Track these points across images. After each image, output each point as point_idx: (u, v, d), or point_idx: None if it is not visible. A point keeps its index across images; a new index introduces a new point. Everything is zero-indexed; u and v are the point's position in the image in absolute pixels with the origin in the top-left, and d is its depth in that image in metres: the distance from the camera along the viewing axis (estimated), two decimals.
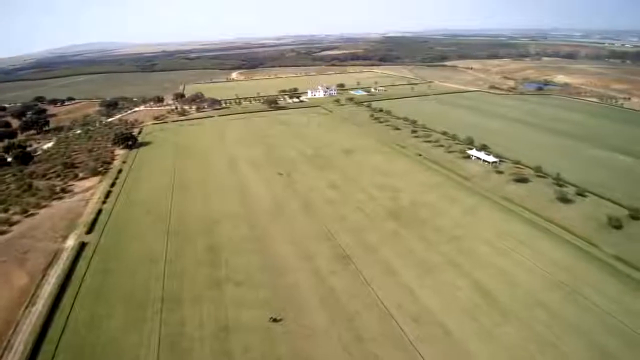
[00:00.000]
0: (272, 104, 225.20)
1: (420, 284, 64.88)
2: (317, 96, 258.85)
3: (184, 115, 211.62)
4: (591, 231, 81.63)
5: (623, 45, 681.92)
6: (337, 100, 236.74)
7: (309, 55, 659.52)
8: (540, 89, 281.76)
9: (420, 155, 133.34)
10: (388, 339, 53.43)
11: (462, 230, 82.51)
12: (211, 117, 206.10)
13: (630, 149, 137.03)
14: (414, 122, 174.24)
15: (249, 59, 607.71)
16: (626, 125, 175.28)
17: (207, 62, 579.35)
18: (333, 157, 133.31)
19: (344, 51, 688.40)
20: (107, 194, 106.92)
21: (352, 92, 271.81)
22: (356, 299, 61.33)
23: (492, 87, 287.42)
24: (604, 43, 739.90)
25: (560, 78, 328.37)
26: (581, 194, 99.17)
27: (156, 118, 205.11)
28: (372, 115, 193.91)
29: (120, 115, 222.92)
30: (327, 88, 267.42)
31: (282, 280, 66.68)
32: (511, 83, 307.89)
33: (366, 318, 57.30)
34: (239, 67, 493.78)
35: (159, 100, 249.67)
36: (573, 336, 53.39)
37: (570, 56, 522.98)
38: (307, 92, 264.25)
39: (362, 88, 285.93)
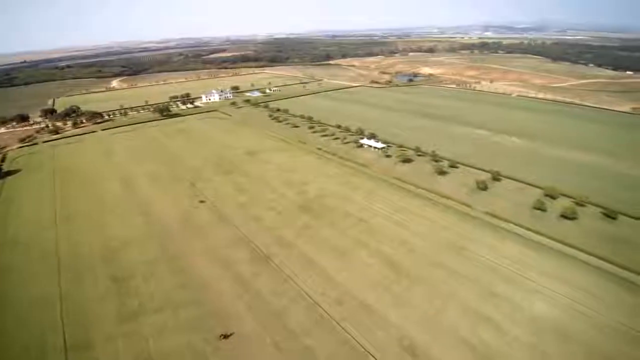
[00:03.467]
0: (165, 111, 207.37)
1: (337, 269, 67.87)
2: (212, 100, 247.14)
3: (57, 133, 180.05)
4: (465, 195, 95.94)
5: (470, 38, 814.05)
6: (234, 103, 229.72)
7: (199, 58, 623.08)
8: (411, 80, 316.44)
9: (320, 149, 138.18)
10: (318, 327, 54.84)
11: (365, 212, 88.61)
12: (93, 132, 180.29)
13: (484, 124, 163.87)
14: (310, 119, 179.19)
15: (131, 64, 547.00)
16: (478, 105, 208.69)
17: (80, 70, 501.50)
18: (238, 160, 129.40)
19: (234, 53, 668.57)
20: None
21: (247, 94, 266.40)
22: (282, 296, 61.30)
23: (372, 81, 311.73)
24: (455, 37, 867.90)
25: (425, 70, 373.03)
26: (453, 165, 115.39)
27: (22, 140, 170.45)
28: (270, 115, 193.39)
29: None
30: (222, 91, 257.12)
31: (205, 295, 62.76)
32: (387, 77, 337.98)
33: (294, 312, 57.78)
34: (119, 75, 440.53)
35: (23, 119, 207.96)
36: (467, 285, 62.35)
37: (431, 50, 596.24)
38: (201, 97, 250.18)
39: (257, 89, 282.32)
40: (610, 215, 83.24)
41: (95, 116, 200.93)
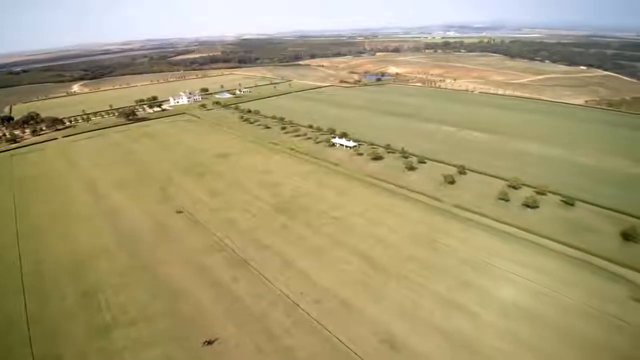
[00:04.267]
0: (130, 116, 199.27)
1: (315, 268, 67.83)
2: (180, 103, 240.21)
3: (15, 142, 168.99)
4: (434, 189, 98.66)
5: (433, 37, 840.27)
6: (203, 105, 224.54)
7: (165, 60, 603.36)
8: (378, 79, 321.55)
9: (292, 149, 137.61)
10: (298, 327, 54.55)
11: (340, 210, 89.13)
12: (54, 139, 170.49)
13: (449, 121, 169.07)
14: (282, 120, 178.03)
15: (93, 68, 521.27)
16: (444, 102, 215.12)
17: (38, 75, 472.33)
18: (209, 163, 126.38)
19: (202, 54, 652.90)
20: None
21: (217, 95, 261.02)
22: (261, 299, 60.46)
23: (341, 81, 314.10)
24: (419, 37, 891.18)
25: (392, 69, 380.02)
26: (422, 161, 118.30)
27: None
28: (241, 117, 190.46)
29: None
30: (190, 93, 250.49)
31: (181, 304, 60.71)
32: (356, 77, 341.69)
33: (274, 315, 57.16)
34: (81, 79, 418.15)
35: None
36: (439, 276, 64.12)
37: (397, 50, 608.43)
38: (169, 100, 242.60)
39: (227, 91, 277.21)
40: (568, 202, 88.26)
41: (56, 122, 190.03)
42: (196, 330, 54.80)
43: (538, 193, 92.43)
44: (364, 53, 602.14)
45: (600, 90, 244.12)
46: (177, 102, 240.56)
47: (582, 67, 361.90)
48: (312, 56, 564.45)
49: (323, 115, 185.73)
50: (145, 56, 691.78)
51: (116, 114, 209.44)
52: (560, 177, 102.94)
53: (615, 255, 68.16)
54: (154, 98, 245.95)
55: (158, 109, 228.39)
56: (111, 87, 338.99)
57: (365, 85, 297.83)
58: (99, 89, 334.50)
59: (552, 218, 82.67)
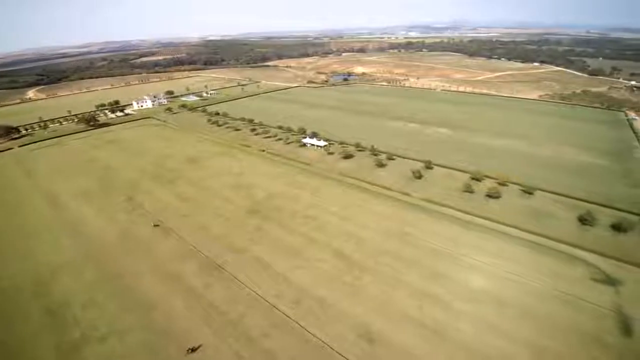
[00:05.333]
0: (91, 122, 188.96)
1: (291, 268, 67.42)
2: (145, 107, 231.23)
3: None
4: (403, 184, 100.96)
5: (397, 38, 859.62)
6: (169, 109, 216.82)
7: (126, 63, 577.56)
8: (345, 79, 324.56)
9: (263, 150, 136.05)
10: (276, 329, 53.97)
11: (313, 210, 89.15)
12: (9, 149, 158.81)
13: (415, 118, 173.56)
14: (251, 121, 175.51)
15: (49, 72, 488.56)
16: (409, 100, 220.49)
17: None
18: (178, 168, 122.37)
19: (165, 56, 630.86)
20: None
21: (183, 98, 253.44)
22: (238, 304, 59.27)
23: (310, 81, 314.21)
24: (383, 37, 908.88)
25: (359, 69, 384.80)
26: (391, 158, 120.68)
27: None
28: (209, 120, 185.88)
29: None
30: (155, 97, 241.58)
31: (155, 313, 58.41)
32: (324, 77, 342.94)
33: (252, 318, 56.21)
34: (36, 84, 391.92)
35: None
36: (412, 268, 65.60)
37: (362, 50, 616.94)
38: (132, 104, 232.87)
39: (193, 93, 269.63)
40: (528, 191, 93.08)
41: (10, 131, 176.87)
42: (172, 340, 52.90)
43: (500, 184, 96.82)
44: (331, 53, 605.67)
45: (553, 85, 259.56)
46: (141, 106, 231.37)
47: (535, 64, 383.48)
48: (280, 57, 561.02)
49: (293, 116, 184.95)
50: (105, 59, 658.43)
51: (76, 120, 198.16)
52: (520, 168, 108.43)
53: (574, 239, 72.69)
54: (116, 102, 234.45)
55: (121, 113, 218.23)
56: (69, 92, 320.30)
57: (333, 85, 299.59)
58: (56, 94, 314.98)
59: (513, 207, 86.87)
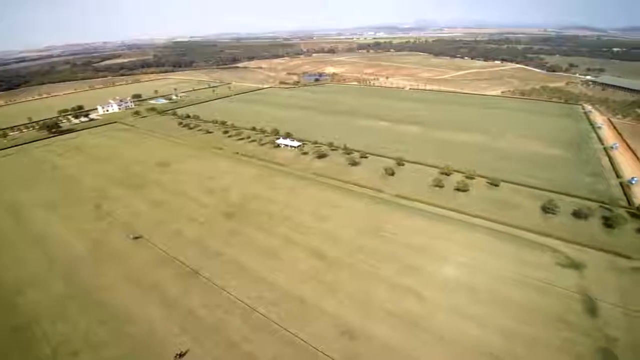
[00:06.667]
0: (54, 128, 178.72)
1: (269, 270, 66.76)
2: (110, 111, 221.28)
3: None
4: (376, 181, 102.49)
5: (365, 38, 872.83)
6: (137, 113, 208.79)
7: (90, 66, 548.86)
8: (317, 79, 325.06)
9: (237, 153, 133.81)
10: (257, 332, 53.25)
11: (289, 210, 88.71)
12: None
13: (385, 116, 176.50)
14: (223, 123, 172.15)
15: (6, 77, 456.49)
16: (378, 99, 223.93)
17: None
18: (148, 173, 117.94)
19: (131, 59, 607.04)
20: None
21: (151, 101, 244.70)
22: (216, 309, 57.96)
23: (281, 82, 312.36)
24: (352, 38, 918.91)
25: (329, 69, 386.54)
26: (364, 156, 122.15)
27: None
28: (180, 123, 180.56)
29: None
30: (121, 101, 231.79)
31: (131, 325, 56.00)
32: (295, 77, 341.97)
33: (232, 323, 55.15)
34: None
35: None
36: (387, 263, 66.69)
37: (332, 51, 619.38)
38: (97, 109, 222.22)
39: (162, 96, 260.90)
40: (493, 183, 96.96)
41: None
42: (151, 351, 51.02)
43: (467, 177, 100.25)
44: (301, 54, 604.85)
45: (513, 82, 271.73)
46: (107, 111, 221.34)
47: (497, 62, 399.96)
48: (250, 58, 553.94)
49: (266, 117, 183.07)
50: (67, 62, 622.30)
51: (37, 127, 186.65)
52: (486, 161, 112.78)
53: (538, 227, 76.53)
54: (80, 107, 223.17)
55: (85, 119, 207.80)
56: (29, 98, 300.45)
57: (305, 85, 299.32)
58: (14, 100, 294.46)
59: (481, 199, 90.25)
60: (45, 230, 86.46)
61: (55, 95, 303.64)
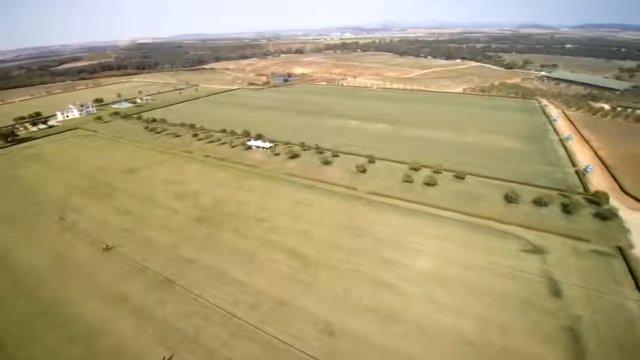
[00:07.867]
0: (9, 137, 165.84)
1: (247, 273, 65.53)
2: (71, 117, 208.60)
3: None
4: (349, 179, 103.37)
5: (332, 39, 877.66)
6: (100, 118, 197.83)
7: (46, 70, 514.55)
8: (286, 80, 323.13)
9: (207, 156, 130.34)
10: (236, 337, 52.09)
11: (264, 211, 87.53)
12: None
13: (354, 115, 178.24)
14: (192, 126, 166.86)
15: None
16: (347, 98, 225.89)
17: None
18: (114, 181, 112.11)
19: (91, 62, 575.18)
20: None
21: (114, 105, 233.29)
22: (193, 317, 56.09)
23: (250, 83, 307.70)
24: (319, 39, 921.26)
25: (298, 70, 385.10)
26: (335, 155, 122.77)
27: None
28: (146, 127, 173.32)
29: None
30: (82, 106, 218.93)
31: (103, 340, 52.99)
32: (264, 78, 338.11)
33: (210, 330, 53.56)
34: None
35: None
36: (363, 259, 67.38)
37: (300, 51, 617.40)
38: (56, 115, 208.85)
39: (126, 100, 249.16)
40: (459, 176, 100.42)
41: None
42: None
43: (435, 172, 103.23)
44: (269, 55, 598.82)
45: (474, 79, 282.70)
46: (67, 117, 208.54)
47: (458, 60, 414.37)
48: (217, 59, 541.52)
49: (235, 119, 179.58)
50: (21, 67, 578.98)
51: None
52: (451, 156, 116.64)
53: (502, 216, 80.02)
54: (38, 114, 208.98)
55: (44, 126, 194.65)
56: None
57: (274, 86, 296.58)
58: None
59: (448, 192, 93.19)
60: (4, 247, 79.98)
61: (10, 102, 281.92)
